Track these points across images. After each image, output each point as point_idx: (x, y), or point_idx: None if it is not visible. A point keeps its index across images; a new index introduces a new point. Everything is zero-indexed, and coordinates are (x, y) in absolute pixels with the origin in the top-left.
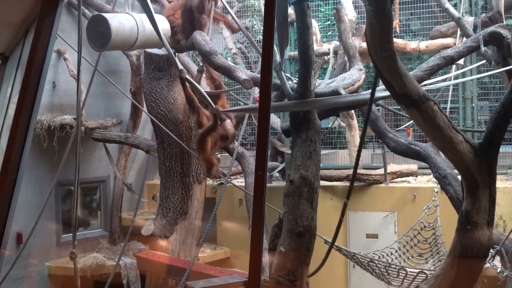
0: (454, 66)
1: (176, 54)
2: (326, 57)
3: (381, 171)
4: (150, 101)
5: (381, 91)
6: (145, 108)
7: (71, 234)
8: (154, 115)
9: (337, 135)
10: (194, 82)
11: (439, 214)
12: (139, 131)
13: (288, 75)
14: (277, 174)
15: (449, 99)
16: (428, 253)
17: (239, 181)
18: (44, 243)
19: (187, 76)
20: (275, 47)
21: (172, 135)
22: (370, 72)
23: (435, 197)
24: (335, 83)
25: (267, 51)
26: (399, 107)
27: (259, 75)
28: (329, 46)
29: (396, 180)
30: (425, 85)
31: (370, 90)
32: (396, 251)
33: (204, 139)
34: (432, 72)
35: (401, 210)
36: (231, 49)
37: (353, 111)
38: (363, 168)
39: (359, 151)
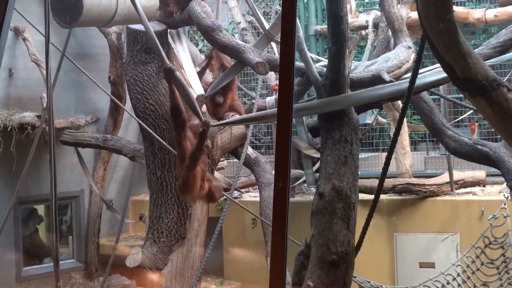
0: None
1: (169, 30)
2: (363, 32)
3: (438, 180)
4: (135, 92)
5: (435, 74)
6: (128, 102)
7: (35, 267)
8: (140, 110)
9: (380, 134)
10: (183, 82)
11: (511, 228)
12: (121, 131)
13: (315, 55)
14: (304, 186)
15: None
16: (496, 281)
17: (252, 195)
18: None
19: (176, 73)
20: (297, 20)
21: (160, 139)
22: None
23: (504, 204)
24: (376, 65)
25: (288, 24)
26: (461, 95)
27: (276, 57)
28: (368, 18)
29: (458, 191)
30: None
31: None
32: (453, 279)
33: (190, 174)
34: (504, 49)
35: (465, 230)
36: (239, 23)
37: (399, 101)
38: (414, 177)
39: (389, 155)
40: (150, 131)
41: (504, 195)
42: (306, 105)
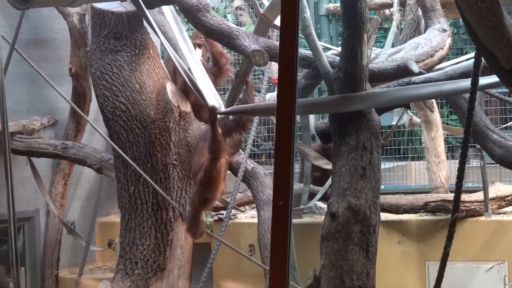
0: None
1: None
2: (387, 11)
3: (481, 195)
4: (102, 88)
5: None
6: (94, 101)
7: None
8: (108, 110)
9: (409, 138)
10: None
11: None
12: (85, 136)
13: (326, 41)
14: (315, 204)
15: None
16: None
17: (249, 215)
18: None
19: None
20: None
21: (121, 154)
22: (460, 34)
23: None
24: (402, 53)
25: (289, 2)
26: (508, 90)
27: (277, 44)
28: None
29: (505, 210)
30: None
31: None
32: None
33: (213, 167)
34: None
35: None
36: (233, 0)
37: (433, 99)
38: (451, 192)
39: (463, 153)
40: (107, 139)
41: None
42: (315, 101)
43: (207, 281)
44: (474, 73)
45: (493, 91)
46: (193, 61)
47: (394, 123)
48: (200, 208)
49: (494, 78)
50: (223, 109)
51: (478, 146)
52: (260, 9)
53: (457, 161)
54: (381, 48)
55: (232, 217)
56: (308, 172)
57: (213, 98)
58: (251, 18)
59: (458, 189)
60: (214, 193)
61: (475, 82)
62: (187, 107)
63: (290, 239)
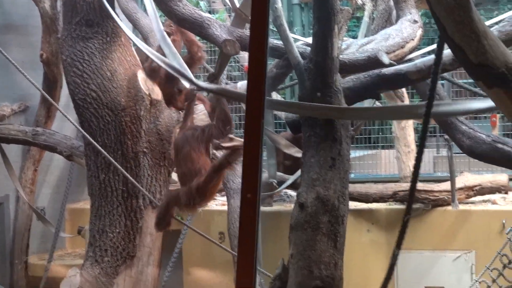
0: None
1: None
2: (359, 1)
3: (449, 185)
4: (72, 75)
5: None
6: (65, 87)
7: None
8: (79, 98)
9: (379, 127)
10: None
11: None
12: (56, 123)
13: (298, 30)
14: (285, 192)
15: None
16: None
17: (220, 203)
18: None
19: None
20: None
21: (91, 143)
22: (431, 24)
23: None
24: (373, 44)
25: None
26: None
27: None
28: None
29: (473, 199)
30: None
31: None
32: None
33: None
34: None
35: (482, 248)
36: None
37: (403, 89)
38: (420, 181)
39: (420, 148)
40: (78, 127)
41: None
42: (281, 101)
43: (177, 268)
44: (435, 62)
45: (462, 81)
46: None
47: None
48: (182, 207)
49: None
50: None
51: (447, 136)
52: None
53: (427, 150)
54: (354, 37)
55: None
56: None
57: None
58: (224, 6)
59: (413, 188)
60: (207, 200)
61: (436, 72)
62: (158, 95)
63: (258, 232)
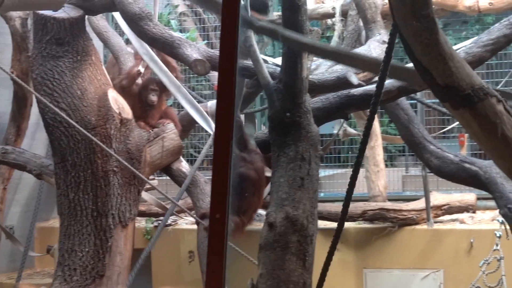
0: None
1: (86, 17)
2: (329, 21)
3: (418, 204)
4: (43, 94)
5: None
6: (35, 105)
7: None
8: (49, 117)
9: (349, 147)
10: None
11: (506, 273)
12: (25, 141)
13: (269, 50)
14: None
15: None
16: None
17: (189, 222)
18: None
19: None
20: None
21: (60, 161)
22: (400, 45)
23: (497, 245)
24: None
25: (230, 11)
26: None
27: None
28: (335, 4)
29: (442, 218)
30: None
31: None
32: None
33: None
34: (497, 47)
35: (451, 266)
36: (177, 6)
37: None
38: (389, 200)
39: (354, 174)
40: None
41: (496, 233)
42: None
43: (146, 287)
44: (380, 76)
45: (430, 101)
46: (161, 72)
47: (335, 131)
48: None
49: None
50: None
51: None
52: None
53: (396, 169)
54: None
55: (173, 223)
56: None
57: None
58: (195, 24)
59: (344, 213)
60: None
61: (378, 94)
62: (128, 114)
63: (227, 252)
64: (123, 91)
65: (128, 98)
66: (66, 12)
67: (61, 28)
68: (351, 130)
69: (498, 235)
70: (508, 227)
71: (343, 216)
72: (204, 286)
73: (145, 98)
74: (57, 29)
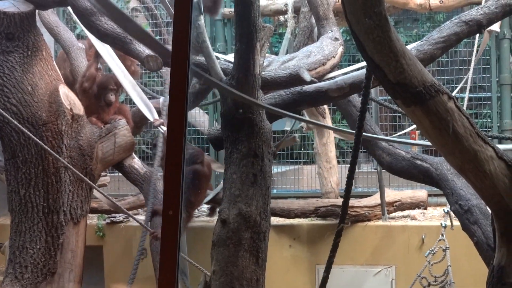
0: (483, 35)
1: (37, 12)
2: (281, 18)
3: (370, 200)
4: None
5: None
6: None
7: None
8: (0, 111)
9: (300, 144)
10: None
11: (451, 262)
12: None
13: (221, 46)
14: (205, 207)
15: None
16: None
17: (142, 219)
18: None
19: None
20: (199, 4)
21: (11, 157)
22: (352, 41)
23: (442, 235)
24: (294, 61)
25: (182, 7)
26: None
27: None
28: (287, 1)
29: (393, 215)
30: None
31: (354, 72)
32: None
33: None
34: (448, 45)
35: (402, 262)
36: (128, 1)
37: (325, 105)
38: (341, 196)
39: (353, 157)
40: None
41: (442, 223)
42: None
43: (98, 284)
44: (365, 85)
45: (382, 98)
46: (117, 68)
47: (287, 128)
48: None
49: None
50: (156, 115)
51: None
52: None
53: (348, 165)
54: (277, 53)
55: (125, 220)
56: None
57: (146, 109)
58: (147, 20)
59: (346, 200)
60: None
61: (366, 94)
62: (80, 110)
63: (180, 249)
64: (85, 93)
65: (85, 96)
66: (16, 6)
67: (11, 23)
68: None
69: (443, 225)
70: (453, 215)
71: (344, 211)
72: (157, 283)
73: (103, 97)
74: (7, 24)
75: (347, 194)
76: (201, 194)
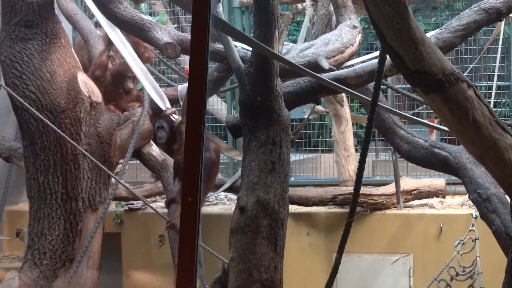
0: (502, 23)
1: None
2: (299, 6)
3: (388, 189)
4: (11, 77)
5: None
6: (3, 89)
7: None
8: (18, 100)
9: (319, 131)
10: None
11: (480, 253)
12: None
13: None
14: (223, 195)
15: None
16: None
17: (160, 206)
18: None
19: None
20: None
21: (30, 144)
22: (371, 29)
23: (472, 226)
24: (313, 49)
25: None
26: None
27: (189, 37)
28: None
29: (411, 203)
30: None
31: (372, 60)
32: None
33: None
34: (467, 33)
35: (420, 251)
36: None
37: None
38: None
39: (364, 149)
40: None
41: (473, 214)
42: None
43: (116, 271)
44: (378, 70)
45: (401, 86)
46: (130, 56)
47: (305, 116)
48: None
49: None
50: (168, 104)
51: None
52: None
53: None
54: (294, 41)
55: (143, 207)
56: None
57: (158, 97)
58: (165, 8)
59: (356, 192)
60: None
61: (379, 78)
62: (98, 97)
63: (199, 236)
64: (97, 81)
65: (100, 84)
66: None
67: (29, 10)
68: (319, 107)
69: (474, 215)
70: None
71: (355, 201)
72: (176, 269)
73: (122, 84)
74: (25, 11)
75: (357, 185)
76: (211, 181)
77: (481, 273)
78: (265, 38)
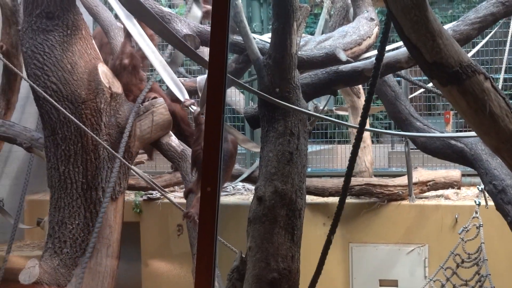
0: None
1: None
2: None
3: (404, 180)
4: (33, 68)
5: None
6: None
7: None
8: (40, 89)
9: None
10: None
11: (484, 240)
12: (15, 114)
13: (257, 26)
14: (240, 185)
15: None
16: None
17: (178, 196)
18: None
19: None
20: None
21: (51, 134)
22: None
23: (476, 213)
24: (330, 41)
25: None
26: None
27: (209, 29)
28: None
29: (427, 194)
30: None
31: (389, 52)
32: None
33: None
34: (484, 26)
35: (435, 242)
36: None
37: (360, 85)
38: (375, 176)
39: (355, 148)
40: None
41: (475, 201)
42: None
43: (135, 260)
44: (380, 49)
45: (417, 78)
46: (148, 48)
47: (321, 107)
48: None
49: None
50: (186, 95)
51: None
52: None
53: (382, 145)
54: (312, 33)
55: (161, 197)
56: None
57: (177, 89)
58: (183, 0)
59: (348, 179)
60: None
61: (380, 58)
62: (118, 89)
63: (218, 225)
64: (125, 69)
65: (124, 73)
66: None
67: (51, 2)
68: (342, 105)
69: (477, 202)
70: (487, 194)
71: (344, 192)
72: (195, 259)
73: (138, 71)
74: (47, 3)
75: (345, 183)
76: (228, 172)
77: (487, 259)
78: (284, 30)
